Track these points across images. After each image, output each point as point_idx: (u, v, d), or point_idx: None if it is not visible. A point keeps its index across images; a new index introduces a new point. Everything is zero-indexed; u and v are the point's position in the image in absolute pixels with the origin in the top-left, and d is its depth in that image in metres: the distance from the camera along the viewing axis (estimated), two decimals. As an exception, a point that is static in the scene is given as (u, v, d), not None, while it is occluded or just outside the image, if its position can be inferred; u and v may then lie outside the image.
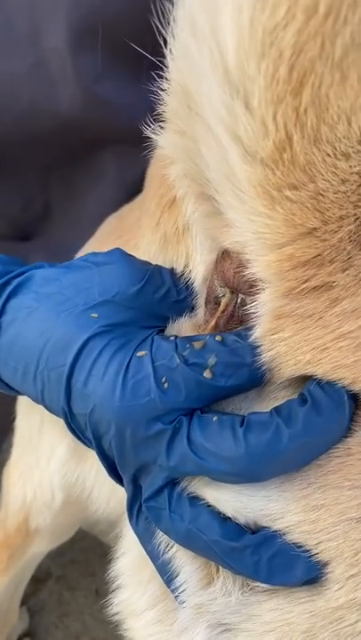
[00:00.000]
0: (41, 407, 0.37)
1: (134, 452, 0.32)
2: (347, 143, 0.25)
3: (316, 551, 0.30)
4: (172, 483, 0.33)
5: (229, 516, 0.32)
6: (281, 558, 0.30)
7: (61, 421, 0.36)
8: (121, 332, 0.34)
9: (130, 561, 0.38)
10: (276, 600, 0.31)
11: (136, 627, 0.36)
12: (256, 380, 0.32)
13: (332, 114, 0.25)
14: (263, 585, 0.31)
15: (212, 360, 0.31)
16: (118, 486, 0.36)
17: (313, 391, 0.30)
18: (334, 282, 0.28)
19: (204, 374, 0.31)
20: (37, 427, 0.59)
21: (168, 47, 0.28)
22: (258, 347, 0.31)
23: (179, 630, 0.33)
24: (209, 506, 0.32)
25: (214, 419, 0.31)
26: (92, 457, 0.53)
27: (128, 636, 0.38)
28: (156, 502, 0.33)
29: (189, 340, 0.33)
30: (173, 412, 0.31)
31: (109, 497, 0.54)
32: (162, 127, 0.30)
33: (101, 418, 0.32)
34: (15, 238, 0.74)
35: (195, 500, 0.32)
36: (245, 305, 0.32)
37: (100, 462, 0.35)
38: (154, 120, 0.31)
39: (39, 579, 1.00)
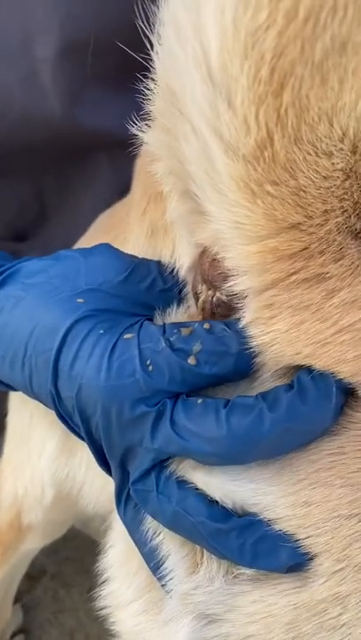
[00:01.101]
0: (31, 401, 0.38)
1: (120, 434, 0.32)
2: (328, 142, 0.26)
3: (303, 544, 0.30)
4: (159, 465, 0.33)
5: (217, 499, 0.32)
6: (266, 542, 0.30)
7: (51, 416, 0.36)
8: (107, 317, 0.34)
9: (118, 552, 0.38)
10: (260, 592, 0.31)
11: (123, 618, 0.36)
12: (242, 370, 0.31)
13: (312, 115, 0.25)
14: (247, 571, 0.31)
15: (196, 347, 0.31)
16: (109, 481, 0.36)
17: (301, 379, 0.30)
18: (328, 273, 0.28)
19: (189, 360, 0.31)
20: (27, 422, 0.59)
21: (155, 49, 0.29)
22: (246, 337, 0.30)
23: (164, 621, 0.33)
24: (197, 489, 0.32)
25: (199, 401, 0.31)
26: (81, 452, 0.53)
27: (115, 628, 0.38)
28: (144, 485, 0.33)
29: (178, 325, 0.33)
30: (158, 395, 0.31)
31: (100, 492, 0.54)
32: (149, 125, 0.31)
33: (88, 398, 0.32)
34: (11, 239, 0.74)
35: (183, 483, 0.33)
36: (220, 303, 0.32)
37: (89, 455, 0.35)
38: (141, 119, 0.31)
39: (34, 576, 1.00)
